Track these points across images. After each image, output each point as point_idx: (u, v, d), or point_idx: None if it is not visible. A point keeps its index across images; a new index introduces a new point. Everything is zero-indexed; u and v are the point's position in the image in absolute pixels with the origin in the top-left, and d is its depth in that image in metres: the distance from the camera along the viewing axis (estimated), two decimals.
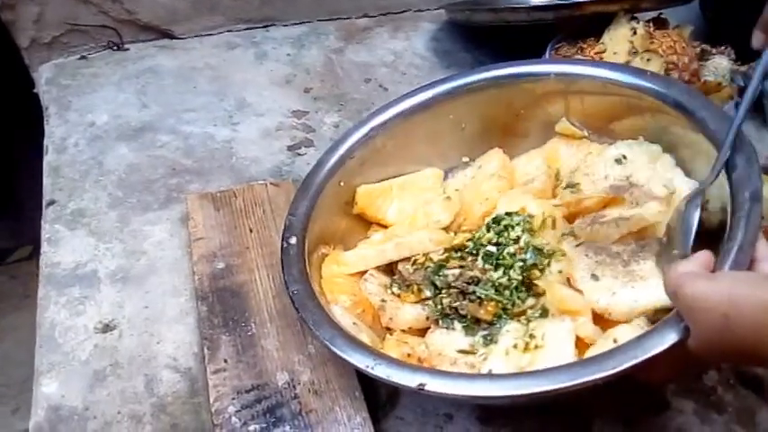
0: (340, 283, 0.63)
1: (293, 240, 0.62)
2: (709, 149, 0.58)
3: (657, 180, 0.62)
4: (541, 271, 0.59)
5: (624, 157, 0.65)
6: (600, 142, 0.69)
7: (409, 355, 0.58)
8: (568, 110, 0.70)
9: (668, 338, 0.47)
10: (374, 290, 0.63)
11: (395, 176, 0.71)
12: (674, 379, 0.60)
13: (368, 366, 0.52)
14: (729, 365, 0.62)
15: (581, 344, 0.55)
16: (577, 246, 0.61)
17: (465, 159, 0.73)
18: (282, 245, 0.62)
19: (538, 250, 0.60)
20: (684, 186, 0.61)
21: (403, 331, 0.61)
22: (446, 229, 0.67)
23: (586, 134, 0.70)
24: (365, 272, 0.64)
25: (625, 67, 0.69)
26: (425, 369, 0.53)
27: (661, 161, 0.64)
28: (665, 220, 0.59)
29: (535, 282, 0.59)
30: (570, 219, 0.64)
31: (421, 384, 0.50)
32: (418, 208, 0.69)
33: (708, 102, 0.61)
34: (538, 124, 0.72)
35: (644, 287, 0.56)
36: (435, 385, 0.50)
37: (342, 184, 0.68)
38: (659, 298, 0.54)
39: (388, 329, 0.62)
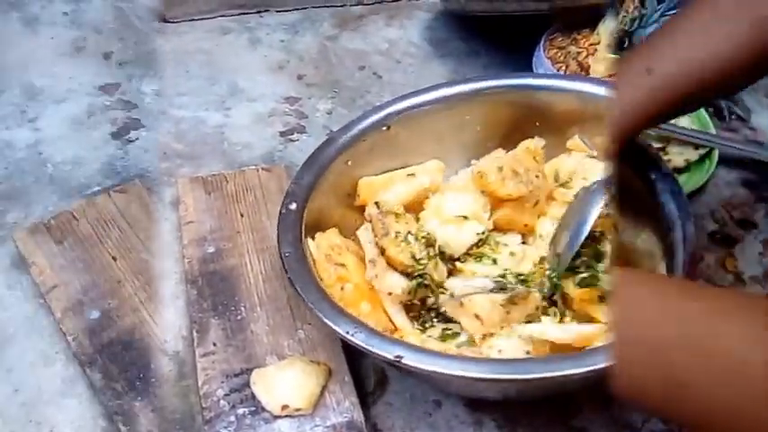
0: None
1: (293, 206, 0.62)
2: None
3: None
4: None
5: None
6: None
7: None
8: (583, 128, 0.70)
9: None
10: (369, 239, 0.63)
11: (400, 167, 0.70)
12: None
13: (348, 333, 0.52)
14: None
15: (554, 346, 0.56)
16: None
17: (474, 162, 0.73)
18: (281, 210, 0.62)
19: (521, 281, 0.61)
20: None
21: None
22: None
23: (596, 154, 0.69)
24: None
25: None
26: (405, 343, 0.53)
27: None
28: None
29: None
30: None
31: (398, 356, 0.50)
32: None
33: None
34: (552, 138, 0.71)
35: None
36: (412, 359, 0.50)
37: (349, 163, 0.68)
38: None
39: None
